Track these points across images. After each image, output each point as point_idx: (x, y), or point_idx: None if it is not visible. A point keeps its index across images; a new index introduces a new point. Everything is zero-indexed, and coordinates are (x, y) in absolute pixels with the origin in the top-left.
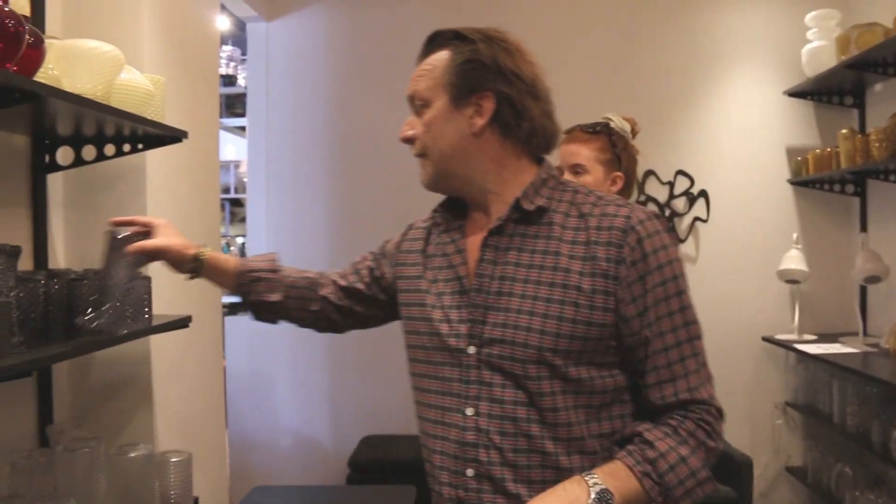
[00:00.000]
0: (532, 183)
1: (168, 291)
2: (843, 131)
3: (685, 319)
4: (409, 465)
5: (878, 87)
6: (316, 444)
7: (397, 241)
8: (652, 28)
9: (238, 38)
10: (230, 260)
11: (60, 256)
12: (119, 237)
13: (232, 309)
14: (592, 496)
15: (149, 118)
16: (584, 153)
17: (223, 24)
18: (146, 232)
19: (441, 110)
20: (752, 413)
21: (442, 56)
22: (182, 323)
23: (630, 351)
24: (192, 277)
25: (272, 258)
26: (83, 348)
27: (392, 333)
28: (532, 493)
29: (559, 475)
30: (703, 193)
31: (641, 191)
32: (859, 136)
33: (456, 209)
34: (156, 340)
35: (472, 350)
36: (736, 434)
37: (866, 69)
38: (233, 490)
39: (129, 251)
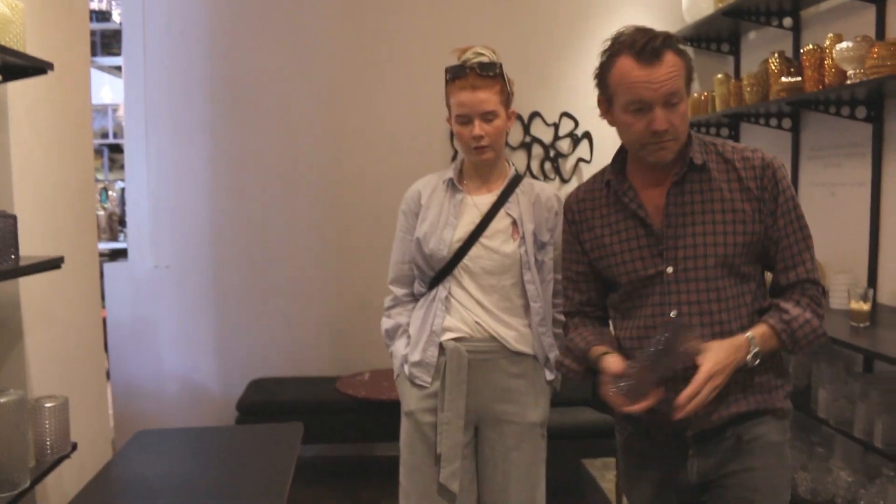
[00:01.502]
0: (689, 144)
1: (38, 232)
2: (719, 76)
3: (801, 224)
4: (297, 405)
5: (751, 34)
6: (203, 390)
7: (575, 219)
8: None
9: None
10: None
11: None
12: None
13: (112, 256)
14: (752, 352)
15: (6, 46)
16: (493, 99)
17: None
18: None
19: (686, 103)
20: None
21: (678, 61)
22: (53, 264)
23: (770, 247)
24: None
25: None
26: None
27: (277, 280)
28: None
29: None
30: (587, 135)
31: (527, 131)
32: (733, 80)
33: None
34: (25, 283)
35: (670, 270)
36: None
37: (742, 17)
38: (117, 436)
39: None
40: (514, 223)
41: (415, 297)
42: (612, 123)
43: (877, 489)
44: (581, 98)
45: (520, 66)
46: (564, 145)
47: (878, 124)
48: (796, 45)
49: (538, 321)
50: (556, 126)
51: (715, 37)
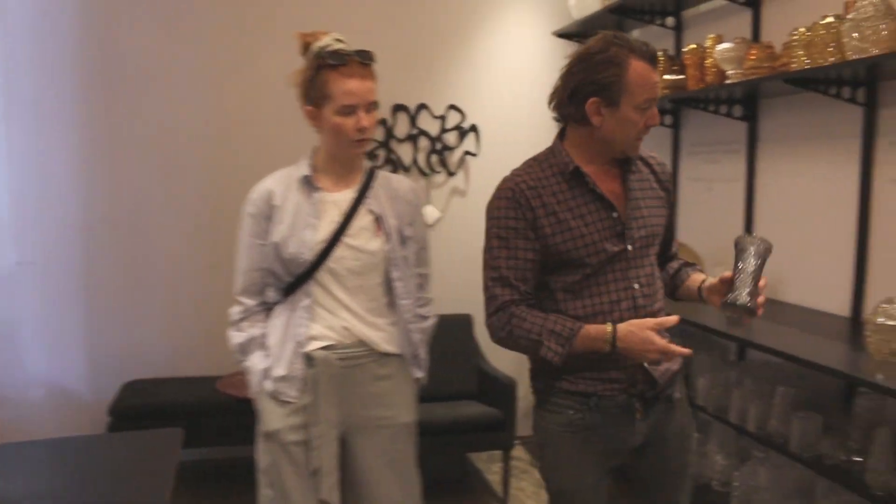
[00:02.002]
0: None
1: None
2: None
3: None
4: (176, 408)
5: (635, 32)
6: (71, 394)
7: (529, 205)
8: None
9: None
10: None
11: None
12: None
13: None
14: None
15: None
16: (375, 89)
17: None
18: None
19: None
20: None
21: None
22: None
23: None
24: None
25: None
26: None
27: (152, 275)
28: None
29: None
30: (474, 128)
31: (413, 124)
32: None
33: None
34: None
35: (630, 247)
36: (502, 357)
37: (626, 15)
38: None
39: None
40: (378, 219)
41: (267, 307)
42: (601, 123)
43: (749, 470)
44: (468, 91)
45: (406, 58)
46: (451, 138)
47: (753, 123)
48: (678, 45)
49: (409, 318)
50: (443, 119)
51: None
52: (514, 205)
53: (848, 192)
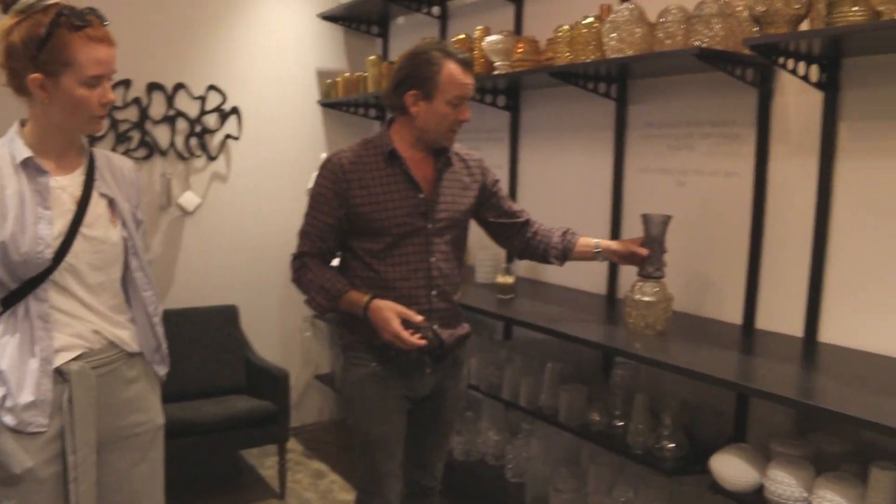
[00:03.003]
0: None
1: None
2: (371, 58)
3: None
4: None
5: (400, 19)
6: None
7: (347, 177)
8: None
9: None
10: None
11: None
12: None
13: None
14: None
15: None
16: None
17: None
18: None
19: None
20: (284, 327)
21: None
22: None
23: (497, 204)
24: None
25: None
26: None
27: None
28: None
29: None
30: (236, 110)
31: (171, 104)
32: (385, 63)
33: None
34: None
35: (430, 225)
36: (270, 349)
37: (394, 1)
38: None
39: None
40: (111, 204)
41: None
42: (419, 112)
43: (521, 443)
44: (230, 71)
45: (163, 33)
46: (212, 120)
47: (516, 113)
48: (443, 34)
49: (153, 310)
50: (203, 100)
51: (365, 18)
52: (331, 176)
53: (603, 178)
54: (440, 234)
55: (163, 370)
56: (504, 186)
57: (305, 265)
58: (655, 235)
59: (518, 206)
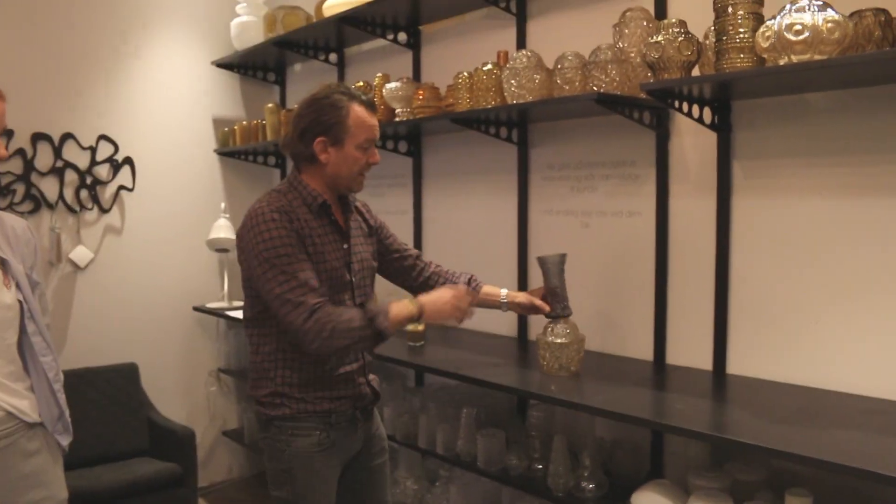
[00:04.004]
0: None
1: None
2: (270, 105)
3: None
4: None
5: (297, 66)
6: None
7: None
8: None
9: None
10: None
11: None
12: None
13: None
14: None
15: None
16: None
17: None
18: None
19: None
20: (188, 383)
21: None
22: None
23: (392, 250)
24: None
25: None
26: None
27: None
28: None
29: None
30: (129, 161)
31: (59, 155)
32: (283, 110)
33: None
34: None
35: (352, 278)
36: (174, 406)
37: (289, 48)
38: None
39: None
40: (3, 266)
41: None
42: (328, 160)
43: (440, 490)
44: (122, 120)
45: (49, 82)
46: (103, 171)
47: (418, 158)
48: (341, 80)
49: (53, 376)
50: (94, 150)
51: (262, 65)
52: (286, 223)
53: (508, 221)
54: (360, 286)
55: (66, 440)
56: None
57: (330, 314)
58: (555, 274)
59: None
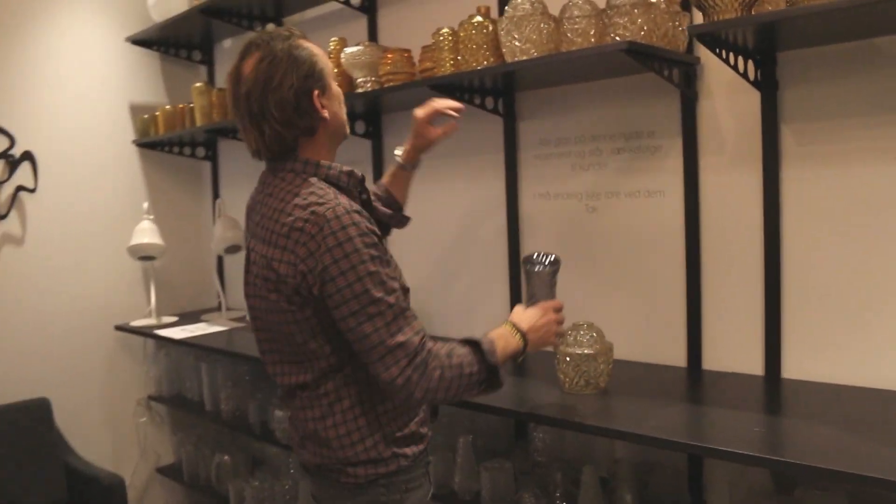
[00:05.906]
0: None
1: None
2: (198, 85)
3: None
4: None
5: (227, 42)
6: None
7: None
8: None
9: None
10: None
11: None
12: None
13: None
14: None
15: None
16: None
17: None
18: None
19: None
20: (112, 417)
21: None
22: None
23: None
24: None
25: None
26: None
27: None
28: None
29: None
30: (29, 156)
31: None
32: (215, 90)
33: None
34: None
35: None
36: (97, 445)
37: (219, 17)
38: None
39: None
40: None
41: None
42: (327, 112)
43: None
44: (19, 108)
45: None
46: None
47: (378, 140)
48: None
49: None
50: None
51: (186, 41)
52: (371, 235)
53: (496, 209)
54: None
55: None
56: None
57: (435, 356)
58: (543, 286)
59: None
